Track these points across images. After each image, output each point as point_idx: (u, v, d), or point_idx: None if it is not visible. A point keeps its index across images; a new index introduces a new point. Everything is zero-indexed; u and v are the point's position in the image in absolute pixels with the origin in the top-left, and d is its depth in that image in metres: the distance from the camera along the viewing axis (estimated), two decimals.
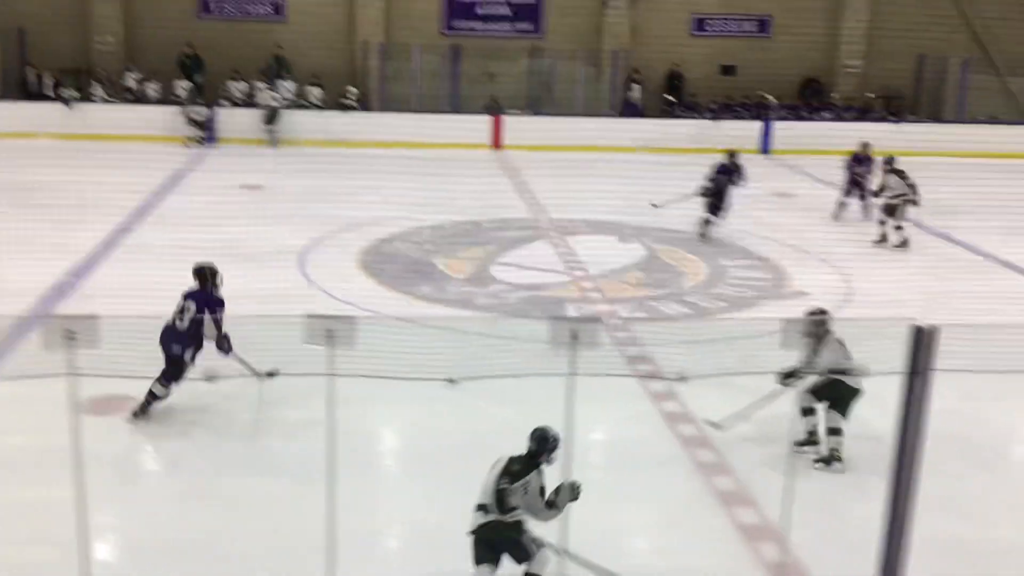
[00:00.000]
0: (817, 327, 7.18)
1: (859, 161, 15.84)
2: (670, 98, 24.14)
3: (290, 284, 11.13)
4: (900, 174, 14.27)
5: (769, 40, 24.77)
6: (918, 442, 3.62)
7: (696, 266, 13.09)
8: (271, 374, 7.89)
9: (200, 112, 21.33)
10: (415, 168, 18.63)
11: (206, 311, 7.60)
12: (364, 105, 22.76)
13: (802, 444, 7.41)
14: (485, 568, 5.25)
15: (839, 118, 23.22)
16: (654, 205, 14.54)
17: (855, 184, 15.81)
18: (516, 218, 15.52)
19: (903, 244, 14.13)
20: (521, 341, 7.83)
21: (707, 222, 14.31)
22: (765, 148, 22.42)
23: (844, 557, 6.02)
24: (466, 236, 14.28)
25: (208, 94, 22.17)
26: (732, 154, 14.73)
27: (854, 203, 15.91)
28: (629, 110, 23.66)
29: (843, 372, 7.04)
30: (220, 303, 7.74)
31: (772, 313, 10.66)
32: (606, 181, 17.76)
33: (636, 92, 23.95)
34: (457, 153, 20.71)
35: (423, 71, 23.16)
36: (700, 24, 24.72)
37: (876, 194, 14.72)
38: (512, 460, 5.32)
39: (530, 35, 24.15)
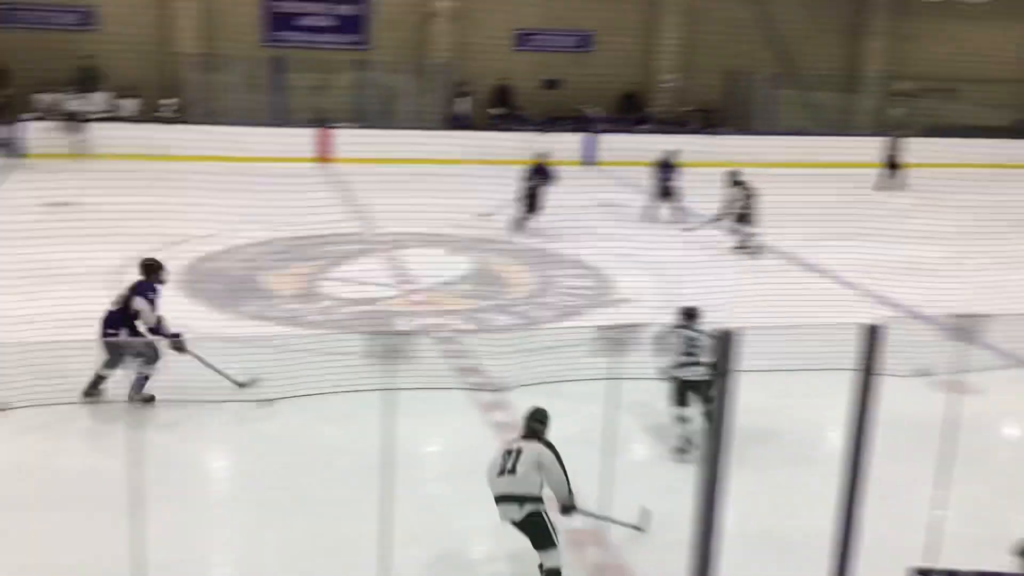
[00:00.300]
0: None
1: (665, 167, 17.26)
2: (498, 111, 24.44)
3: (102, 307, 10.56)
4: (743, 185, 15.43)
5: (591, 55, 25.48)
6: (725, 439, 3.76)
7: (524, 276, 13.27)
8: (246, 383, 8.44)
9: None
10: (239, 183, 18.05)
11: (137, 297, 8.20)
12: (183, 118, 21.95)
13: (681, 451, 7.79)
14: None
15: (658, 131, 24.09)
16: (481, 215, 14.71)
17: (663, 190, 17.16)
18: (345, 232, 15.30)
19: (757, 249, 15.11)
20: (341, 357, 7.72)
21: (522, 219, 15.60)
22: (590, 160, 23.00)
23: (661, 556, 6.23)
24: (293, 252, 13.97)
25: (13, 108, 20.82)
26: (543, 155, 16.22)
27: (663, 207, 17.17)
28: (457, 123, 23.80)
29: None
30: (156, 290, 8.36)
31: (598, 321, 10.90)
32: (435, 194, 17.74)
33: (464, 105, 24.12)
34: (283, 167, 20.25)
35: (245, 83, 22.56)
36: (523, 39, 25.17)
37: (729, 208, 15.60)
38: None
39: (356, 47, 23.95)
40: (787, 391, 9.08)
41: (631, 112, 25.51)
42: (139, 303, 8.20)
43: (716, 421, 3.71)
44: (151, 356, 8.16)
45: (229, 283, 12.24)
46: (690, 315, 8.16)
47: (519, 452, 5.96)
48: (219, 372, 8.37)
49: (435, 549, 6.40)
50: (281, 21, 23.66)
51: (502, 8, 24.49)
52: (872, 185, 21.42)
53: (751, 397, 8.46)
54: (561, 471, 5.96)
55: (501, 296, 12.35)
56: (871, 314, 9.04)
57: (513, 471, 5.90)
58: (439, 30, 24.17)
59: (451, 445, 8.18)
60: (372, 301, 11.87)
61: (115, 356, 8.07)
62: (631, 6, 25.54)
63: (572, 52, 25.48)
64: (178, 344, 8.35)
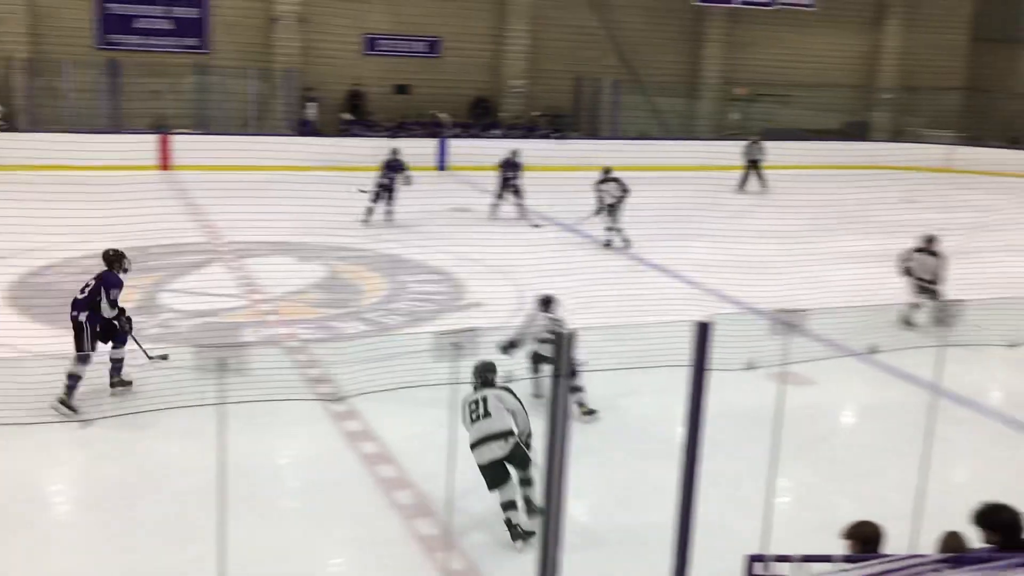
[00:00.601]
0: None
1: (510, 166, 17.92)
2: (348, 116, 24.17)
3: None
4: (617, 181, 16.07)
5: (440, 60, 25.53)
6: (563, 439, 3.82)
7: (376, 283, 13.14)
8: (163, 357, 8.76)
9: None
10: (72, 192, 17.17)
11: (102, 288, 8.58)
12: (10, 125, 20.76)
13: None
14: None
15: (508, 135, 24.32)
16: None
17: (508, 188, 17.82)
18: (188, 242, 14.80)
19: (625, 244, 15.74)
20: (177, 371, 7.48)
21: (370, 211, 16.61)
22: (441, 165, 23.03)
23: (514, 558, 6.29)
24: (131, 263, 13.37)
25: None
26: (395, 151, 17.07)
27: (508, 205, 17.79)
28: (305, 128, 23.40)
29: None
30: (118, 283, 8.71)
31: (451, 325, 10.91)
32: (283, 201, 17.38)
33: (312, 110, 23.73)
34: (121, 175, 19.38)
35: (78, 88, 21.53)
36: (372, 44, 24.98)
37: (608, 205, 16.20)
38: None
39: (195, 51, 23.21)
40: (632, 388, 9.31)
41: (482, 117, 25.68)
42: (101, 293, 8.62)
43: (555, 422, 3.76)
44: (117, 339, 8.68)
45: (62, 298, 11.63)
46: (547, 302, 9.06)
47: (485, 399, 6.66)
48: (141, 349, 8.83)
49: (290, 566, 6.26)
50: (115, 24, 22.69)
51: (349, 13, 24.25)
52: (735, 187, 22.24)
53: (595, 394, 8.71)
54: (524, 410, 6.76)
55: (353, 303, 12.19)
56: (711, 310, 9.36)
57: (488, 414, 6.56)
58: (284, 34, 23.71)
59: (305, 457, 8.01)
60: (217, 312, 11.51)
61: (80, 341, 8.52)
62: (479, 13, 25.72)
63: (422, 57, 25.45)
64: (128, 327, 8.76)
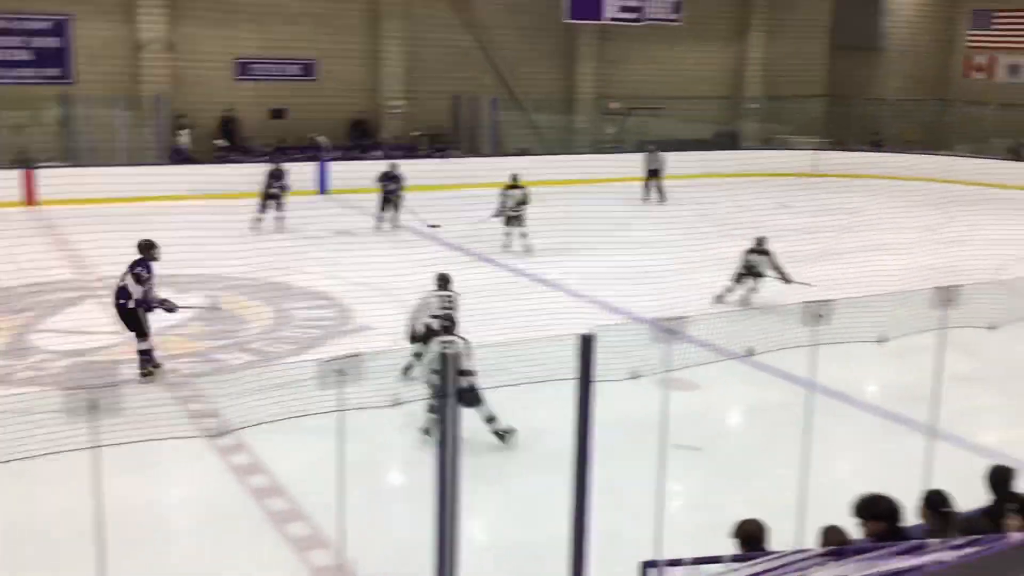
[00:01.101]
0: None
1: (390, 179, 18.65)
2: (222, 143, 23.65)
3: None
4: (520, 188, 16.99)
5: (316, 83, 25.24)
6: (453, 454, 3.81)
7: (260, 311, 12.87)
8: (215, 307, 11.68)
9: None
10: None
11: (129, 273, 9.90)
12: None
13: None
14: None
15: (389, 156, 24.18)
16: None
17: (389, 201, 18.46)
18: (58, 280, 14.18)
19: (527, 250, 16.48)
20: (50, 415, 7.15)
21: (258, 219, 17.84)
22: (322, 188, 22.74)
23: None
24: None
25: None
26: (277, 168, 18.35)
27: (389, 218, 18.46)
28: (178, 157, 22.80)
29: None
30: (146, 267, 9.98)
31: (339, 351, 10.76)
32: (158, 232, 16.87)
33: (184, 138, 23.14)
34: None
35: None
36: (244, 68, 24.53)
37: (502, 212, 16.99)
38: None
39: (58, 81, 22.34)
40: (523, 403, 9.35)
41: (361, 139, 25.50)
42: (127, 278, 9.91)
43: (445, 442, 3.75)
44: (140, 331, 9.94)
45: None
46: (444, 279, 10.17)
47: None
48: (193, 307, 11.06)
49: None
50: None
51: (218, 38, 23.76)
52: (639, 197, 22.70)
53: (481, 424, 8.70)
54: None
55: (235, 334, 11.90)
56: (597, 322, 9.48)
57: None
58: (152, 61, 23.07)
59: (192, 496, 7.77)
60: (93, 351, 11.07)
61: (130, 322, 9.99)
62: (352, 34, 25.54)
63: (296, 81, 25.13)
64: (168, 307, 10.21)
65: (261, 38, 24.38)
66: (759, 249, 13.63)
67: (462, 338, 8.59)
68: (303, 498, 7.39)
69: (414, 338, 9.85)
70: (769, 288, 13.52)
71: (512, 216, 16.77)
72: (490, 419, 8.43)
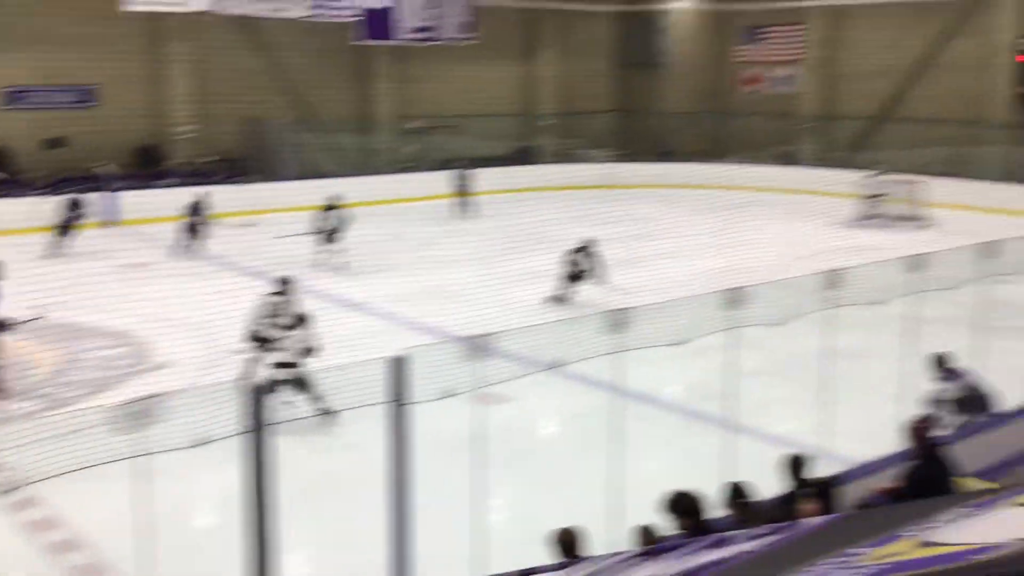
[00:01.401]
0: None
1: (196, 210, 18.67)
2: None
3: None
4: (338, 208, 17.14)
5: (96, 110, 23.95)
6: (267, 484, 3.70)
7: (46, 356, 12.04)
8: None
9: None
10: None
11: None
12: None
13: None
14: None
15: (181, 183, 23.22)
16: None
17: (193, 231, 18.56)
18: None
19: (344, 266, 16.66)
20: None
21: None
22: (111, 219, 21.50)
23: None
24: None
25: None
26: (74, 199, 18.36)
27: (191, 247, 18.40)
28: None
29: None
30: None
31: (137, 391, 10.21)
32: None
33: None
34: None
35: None
36: (15, 97, 22.98)
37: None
38: None
39: None
40: (336, 432, 9.19)
41: (149, 166, 24.36)
42: None
43: (254, 484, 3.63)
44: None
45: None
46: (285, 282, 10.34)
47: None
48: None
49: None
50: None
51: None
52: (447, 215, 22.72)
53: (301, 441, 8.51)
54: None
55: (18, 381, 11.07)
56: (409, 343, 9.46)
57: None
58: None
59: None
60: None
61: None
62: (133, 58, 24.40)
63: (74, 108, 23.75)
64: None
65: (34, 66, 22.92)
66: (585, 250, 14.51)
67: (296, 335, 9.56)
68: (106, 549, 6.96)
69: (254, 339, 10.05)
70: (586, 291, 13.99)
71: (330, 235, 16.99)
72: (316, 398, 9.20)
